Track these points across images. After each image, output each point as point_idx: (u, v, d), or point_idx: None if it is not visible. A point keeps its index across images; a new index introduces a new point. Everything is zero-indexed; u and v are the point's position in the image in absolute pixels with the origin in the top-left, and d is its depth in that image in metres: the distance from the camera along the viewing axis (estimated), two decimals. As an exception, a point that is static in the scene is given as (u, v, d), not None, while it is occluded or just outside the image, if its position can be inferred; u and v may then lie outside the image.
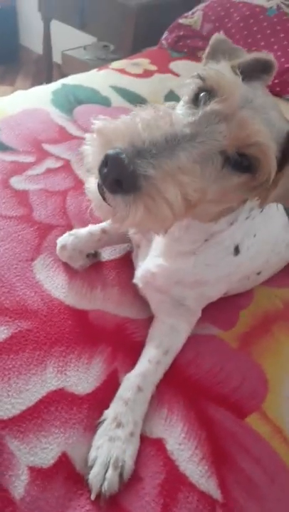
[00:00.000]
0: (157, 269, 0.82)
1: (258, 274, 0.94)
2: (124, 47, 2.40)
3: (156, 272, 0.83)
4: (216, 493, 0.63)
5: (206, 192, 0.59)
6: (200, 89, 0.61)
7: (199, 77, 0.61)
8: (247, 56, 0.69)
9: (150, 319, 0.89)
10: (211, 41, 0.73)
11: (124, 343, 0.83)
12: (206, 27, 1.96)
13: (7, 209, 1.04)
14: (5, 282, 0.87)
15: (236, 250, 0.80)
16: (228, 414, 0.73)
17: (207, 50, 0.73)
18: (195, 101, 0.62)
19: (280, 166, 0.60)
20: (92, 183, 0.56)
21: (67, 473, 0.64)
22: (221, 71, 0.60)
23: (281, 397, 0.76)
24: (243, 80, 0.61)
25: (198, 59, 2.00)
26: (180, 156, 0.53)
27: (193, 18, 2.01)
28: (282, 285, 0.99)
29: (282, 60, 1.73)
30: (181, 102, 0.65)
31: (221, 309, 0.90)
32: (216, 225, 0.74)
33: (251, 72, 0.66)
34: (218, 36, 0.74)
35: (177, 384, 0.77)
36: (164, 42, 2.09)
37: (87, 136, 0.56)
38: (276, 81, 1.74)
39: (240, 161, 0.58)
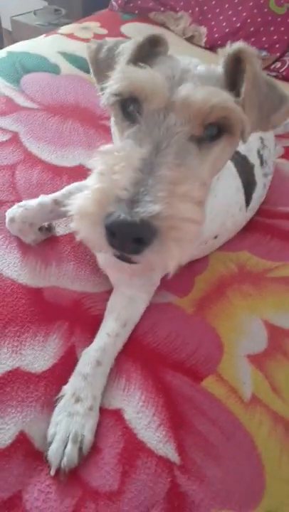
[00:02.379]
0: None
1: (215, 238, 0.94)
2: (74, 10, 2.30)
3: None
4: (173, 457, 0.65)
5: (204, 178, 0.57)
6: (124, 102, 0.59)
7: (115, 95, 0.59)
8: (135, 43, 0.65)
9: (108, 292, 0.88)
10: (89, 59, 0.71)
11: (81, 318, 0.82)
12: (156, -14, 1.88)
13: None
14: None
15: None
16: (184, 379, 0.74)
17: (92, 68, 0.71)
18: (128, 116, 0.60)
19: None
20: (112, 257, 0.53)
21: (25, 451, 0.64)
22: (128, 76, 0.57)
23: (236, 358, 0.78)
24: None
25: (149, 21, 1.93)
26: (163, 173, 0.51)
27: (142, -24, 1.92)
28: (237, 249, 0.99)
29: (234, 19, 1.69)
30: (117, 134, 0.63)
31: (177, 276, 0.89)
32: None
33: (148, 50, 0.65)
34: (90, 47, 0.71)
35: (135, 353, 0.78)
36: (114, 4, 2.00)
37: (76, 218, 0.52)
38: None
39: (211, 131, 0.56)
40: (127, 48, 0.66)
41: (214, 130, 0.57)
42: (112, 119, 0.63)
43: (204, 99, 0.54)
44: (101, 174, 0.52)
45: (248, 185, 0.99)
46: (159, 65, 0.62)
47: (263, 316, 0.86)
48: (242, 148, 1.01)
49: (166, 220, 0.48)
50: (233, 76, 0.62)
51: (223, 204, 0.88)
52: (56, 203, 0.91)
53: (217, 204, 0.84)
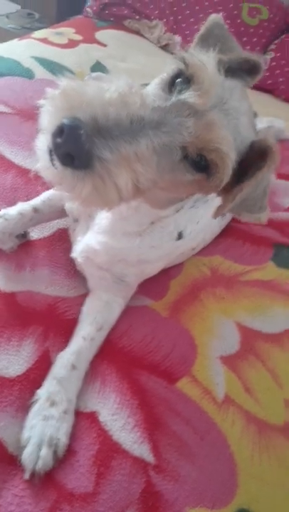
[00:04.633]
0: (100, 246, 0.81)
1: (193, 249, 0.97)
2: (48, 15, 2.30)
3: (99, 250, 0.81)
4: (148, 457, 0.66)
5: (158, 182, 0.58)
6: (179, 72, 0.59)
7: (184, 60, 0.58)
8: (238, 54, 0.66)
9: (82, 296, 0.88)
10: (208, 23, 0.69)
11: (55, 323, 0.82)
12: (131, -6, 1.91)
13: None
14: None
15: (179, 235, 0.82)
16: (159, 381, 0.75)
17: (201, 30, 0.69)
18: (171, 84, 0.59)
19: (238, 176, 0.59)
20: (43, 142, 0.52)
21: (-1, 456, 0.64)
22: (206, 64, 0.57)
23: (209, 360, 0.79)
24: (226, 75, 0.59)
25: (124, 28, 1.95)
26: (141, 142, 0.51)
27: (117, -16, 1.95)
28: (210, 253, 1.02)
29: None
30: (157, 80, 0.62)
31: (153, 280, 0.91)
32: (164, 210, 0.75)
33: (236, 69, 0.64)
34: (215, 18, 0.69)
35: (110, 356, 0.78)
36: (88, 10, 2.01)
37: (49, 91, 0.52)
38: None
39: (198, 161, 0.57)
40: (233, 49, 0.66)
41: (202, 162, 0.57)
42: (163, 74, 0.62)
43: (220, 137, 0.55)
44: (109, 87, 0.51)
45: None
46: (230, 83, 0.61)
47: (236, 318, 0.88)
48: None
49: (104, 170, 0.49)
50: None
51: (205, 225, 0.91)
52: (36, 211, 0.91)
53: (199, 228, 0.87)
